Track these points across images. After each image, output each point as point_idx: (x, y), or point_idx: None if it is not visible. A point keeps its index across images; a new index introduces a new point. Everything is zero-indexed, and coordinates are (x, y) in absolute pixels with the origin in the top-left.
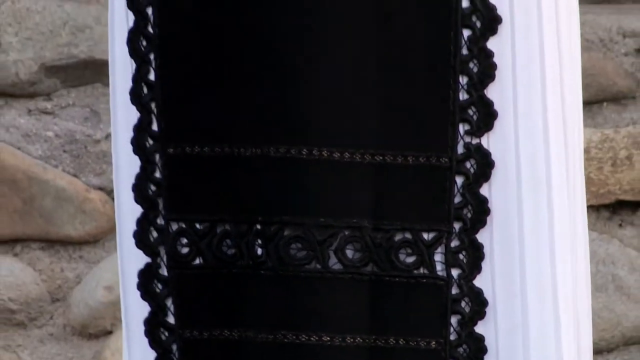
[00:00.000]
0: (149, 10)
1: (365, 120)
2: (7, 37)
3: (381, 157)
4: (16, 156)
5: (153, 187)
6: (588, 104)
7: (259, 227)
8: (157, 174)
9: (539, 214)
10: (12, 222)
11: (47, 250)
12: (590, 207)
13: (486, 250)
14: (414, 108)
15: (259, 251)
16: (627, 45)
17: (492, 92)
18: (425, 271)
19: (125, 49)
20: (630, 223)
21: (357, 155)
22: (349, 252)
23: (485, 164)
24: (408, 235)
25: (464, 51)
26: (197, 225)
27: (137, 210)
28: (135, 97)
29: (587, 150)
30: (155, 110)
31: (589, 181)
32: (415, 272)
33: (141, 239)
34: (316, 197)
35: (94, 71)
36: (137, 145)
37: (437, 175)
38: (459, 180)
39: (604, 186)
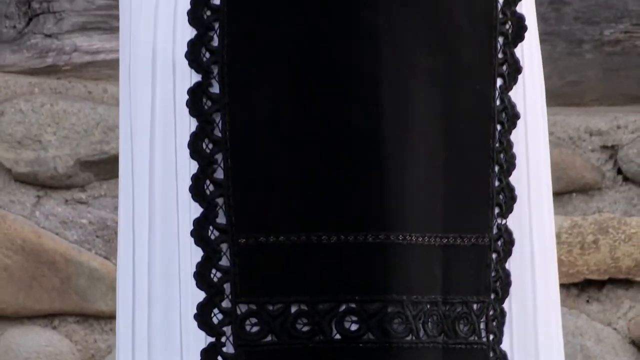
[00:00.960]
0: (216, 117)
1: (435, 207)
2: (46, 136)
3: (447, 239)
4: (55, 241)
5: (219, 274)
6: (559, 194)
7: (353, 305)
8: (224, 262)
9: (548, 282)
10: (51, 298)
11: (81, 324)
12: (562, 285)
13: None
14: (467, 195)
15: (353, 327)
16: (594, 143)
17: (512, 178)
18: (476, 338)
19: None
20: (596, 299)
21: (432, 239)
22: (430, 324)
23: (509, 242)
24: (464, 307)
25: (497, 144)
26: (269, 307)
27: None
28: (199, 195)
29: (558, 236)
30: (222, 205)
31: (560, 262)
32: (470, 338)
33: (205, 321)
34: (408, 277)
35: None
36: (200, 237)
37: (482, 253)
38: (493, 256)
39: (574, 267)
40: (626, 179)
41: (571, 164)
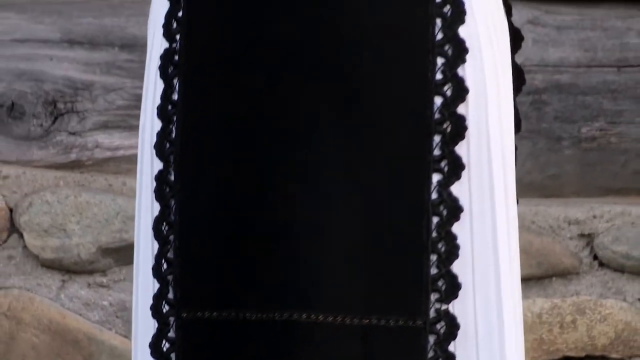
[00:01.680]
0: (172, 202)
1: (356, 288)
2: (71, 225)
3: (368, 320)
4: (78, 321)
5: (167, 345)
6: (540, 278)
7: None
8: (172, 333)
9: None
10: None
11: None
12: None
13: None
14: (394, 278)
15: None
16: (572, 231)
17: (455, 266)
18: None
19: (149, 230)
20: None
21: (350, 319)
22: None
23: (453, 326)
24: None
25: (434, 233)
26: None
27: None
28: (157, 272)
29: (539, 316)
30: (172, 282)
31: (541, 341)
32: None
33: None
34: (314, 355)
35: None
36: (155, 310)
37: (413, 335)
38: (432, 338)
39: (554, 345)
40: (602, 265)
41: (551, 251)
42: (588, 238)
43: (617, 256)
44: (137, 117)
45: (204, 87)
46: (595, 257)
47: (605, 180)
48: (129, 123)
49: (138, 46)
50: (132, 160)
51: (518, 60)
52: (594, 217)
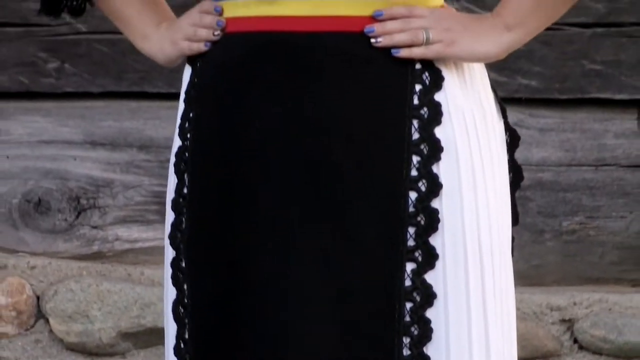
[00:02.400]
0: (185, 287)
1: (328, 341)
2: (93, 311)
3: None
4: None
5: None
6: None
7: None
8: None
9: None
10: None
11: None
12: None
13: None
14: (367, 335)
15: None
16: (554, 317)
17: (430, 312)
18: None
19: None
20: None
21: None
22: None
23: None
24: None
25: (407, 318)
26: None
27: None
28: (177, 350)
29: None
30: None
31: None
32: None
33: None
34: None
35: (158, 336)
36: None
37: None
38: None
39: None
40: (581, 348)
41: (535, 335)
42: (569, 323)
43: (595, 340)
44: (154, 212)
45: (204, 183)
46: (576, 341)
47: (584, 270)
48: (147, 218)
49: (154, 147)
50: (149, 251)
51: None
52: (574, 303)
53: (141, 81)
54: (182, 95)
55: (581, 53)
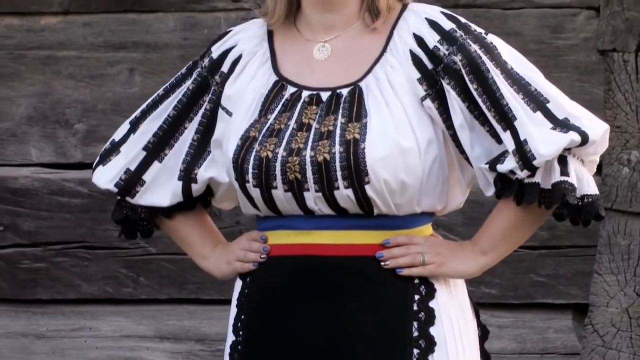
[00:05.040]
0: None
1: None
2: None
3: None
4: None
5: None
6: None
7: None
8: None
9: None
10: None
11: None
12: None
13: None
14: None
15: None
16: None
17: None
18: None
19: None
20: None
21: None
22: None
23: None
24: None
25: None
26: None
27: None
28: None
29: None
30: None
31: None
32: None
33: None
34: None
35: None
36: None
37: None
38: None
39: None
40: None
41: None
42: None
43: None
44: None
45: None
46: None
47: None
48: None
49: (208, 340)
50: None
51: None
52: None
53: (198, 290)
54: (235, 301)
55: (529, 269)
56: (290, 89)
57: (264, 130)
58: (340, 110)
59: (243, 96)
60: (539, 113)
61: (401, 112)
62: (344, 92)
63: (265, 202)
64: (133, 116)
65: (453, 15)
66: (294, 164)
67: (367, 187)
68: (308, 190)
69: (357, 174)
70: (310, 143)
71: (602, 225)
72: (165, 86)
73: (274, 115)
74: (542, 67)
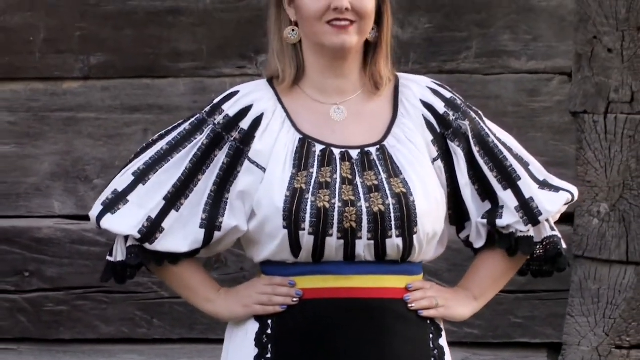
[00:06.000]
0: None
1: None
2: None
3: None
4: None
5: None
6: None
7: None
8: None
9: None
10: None
11: None
12: None
13: None
14: None
15: None
16: None
17: None
18: None
19: None
20: None
21: None
22: None
23: None
24: None
25: None
26: None
27: None
28: None
29: None
30: None
31: None
32: None
33: None
34: None
35: None
36: None
37: None
38: None
39: None
40: None
41: None
42: None
43: None
44: None
45: None
46: None
47: None
48: None
49: None
50: None
51: None
52: None
53: (207, 331)
54: (251, 342)
55: (508, 311)
56: (319, 146)
57: (312, 183)
58: (378, 167)
59: (274, 152)
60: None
61: (428, 169)
62: (372, 150)
63: (314, 249)
64: (135, 167)
65: (444, 86)
66: (350, 214)
67: (414, 236)
68: (360, 238)
69: (408, 224)
70: (362, 195)
71: (574, 271)
72: (168, 140)
73: (315, 170)
74: (520, 128)
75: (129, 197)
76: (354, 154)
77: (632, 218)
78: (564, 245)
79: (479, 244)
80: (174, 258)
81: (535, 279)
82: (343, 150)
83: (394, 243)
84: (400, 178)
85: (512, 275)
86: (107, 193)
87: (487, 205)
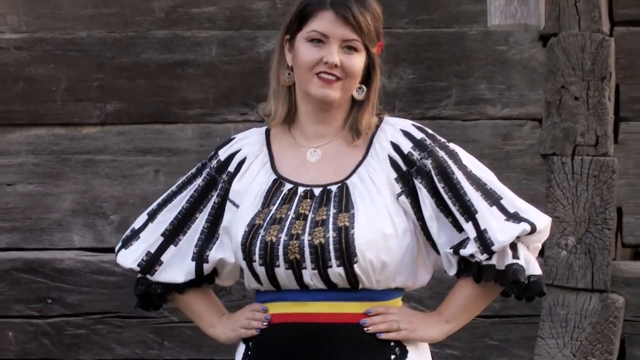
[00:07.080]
0: None
1: None
2: None
3: None
4: None
5: None
6: None
7: None
8: None
9: None
10: None
11: None
12: None
13: None
14: None
15: None
16: None
17: None
18: None
19: None
20: None
21: None
22: None
23: None
24: None
25: None
26: None
27: None
28: None
29: None
30: None
31: None
32: None
33: None
34: None
35: None
36: None
37: None
38: None
39: None
40: None
41: None
42: None
43: None
44: None
45: None
46: None
47: None
48: None
49: None
50: None
51: None
52: None
53: (213, 352)
54: None
55: (484, 334)
56: (288, 185)
57: (267, 219)
58: (332, 203)
59: (248, 191)
60: (494, 207)
61: (382, 205)
62: (334, 188)
63: (269, 278)
64: (150, 208)
65: (422, 127)
66: (294, 246)
67: (355, 265)
68: (305, 268)
69: (347, 254)
70: (307, 229)
71: (544, 298)
72: (178, 183)
73: (275, 207)
74: (495, 168)
75: (140, 234)
76: (317, 191)
77: (596, 250)
78: (532, 272)
79: (451, 271)
80: (181, 288)
81: (509, 305)
82: (307, 188)
83: (336, 272)
84: (349, 213)
85: (488, 299)
86: (127, 231)
87: (464, 236)
